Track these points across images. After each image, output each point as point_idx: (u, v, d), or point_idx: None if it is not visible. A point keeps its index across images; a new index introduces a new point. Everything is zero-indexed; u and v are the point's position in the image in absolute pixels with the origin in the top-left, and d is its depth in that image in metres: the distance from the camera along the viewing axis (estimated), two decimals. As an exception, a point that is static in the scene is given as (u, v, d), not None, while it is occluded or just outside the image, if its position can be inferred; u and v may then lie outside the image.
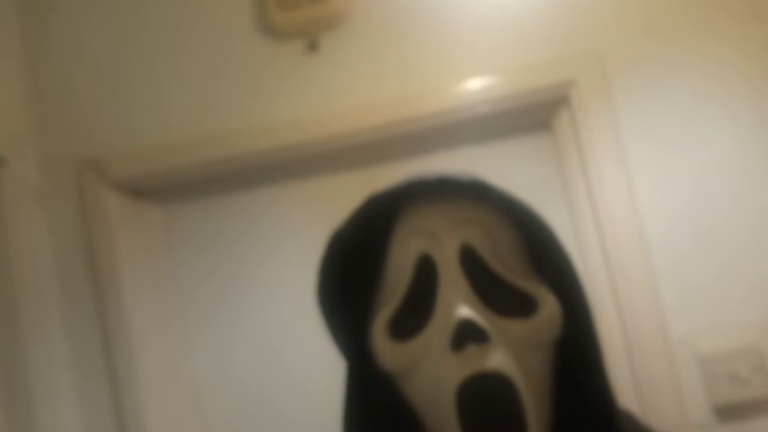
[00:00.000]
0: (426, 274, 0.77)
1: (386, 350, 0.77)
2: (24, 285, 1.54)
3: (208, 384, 1.70)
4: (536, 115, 1.60)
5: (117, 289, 1.59)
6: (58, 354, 1.58)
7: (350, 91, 1.59)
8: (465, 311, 0.72)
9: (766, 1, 1.53)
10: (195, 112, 1.63)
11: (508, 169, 1.62)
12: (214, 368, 1.70)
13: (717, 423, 1.46)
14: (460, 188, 0.79)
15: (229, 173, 1.63)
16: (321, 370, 1.40)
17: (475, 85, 1.54)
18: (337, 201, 1.65)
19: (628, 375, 1.48)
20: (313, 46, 1.60)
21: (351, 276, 0.83)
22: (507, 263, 0.78)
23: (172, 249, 1.74)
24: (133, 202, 1.68)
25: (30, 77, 1.68)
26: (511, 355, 0.73)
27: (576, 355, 0.77)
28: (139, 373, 1.58)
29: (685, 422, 1.45)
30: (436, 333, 0.74)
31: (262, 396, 1.67)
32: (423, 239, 0.78)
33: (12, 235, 1.55)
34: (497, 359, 0.71)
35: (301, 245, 1.66)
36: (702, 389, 1.46)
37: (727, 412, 1.46)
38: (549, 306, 0.76)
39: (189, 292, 1.72)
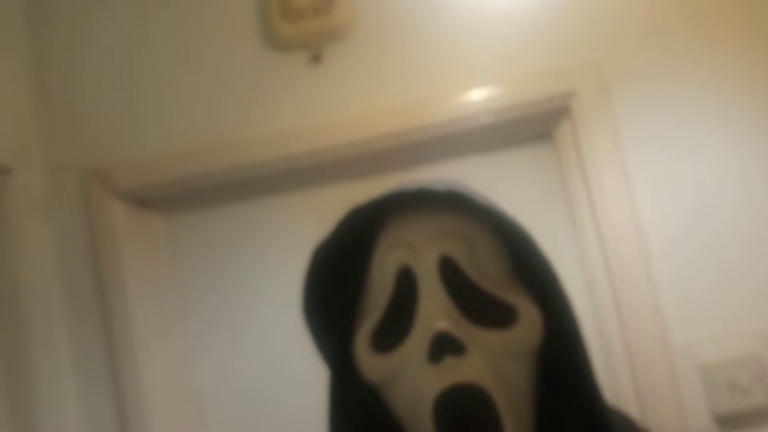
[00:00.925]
0: (406, 287, 0.77)
1: (369, 362, 0.79)
2: (29, 293, 1.55)
3: (212, 392, 1.70)
4: (537, 125, 1.61)
5: (121, 298, 1.60)
6: (62, 362, 1.59)
7: (353, 101, 1.60)
8: (442, 323, 0.72)
9: (765, 10, 1.54)
10: (200, 122, 1.64)
11: (510, 179, 1.63)
12: (218, 376, 1.70)
13: (718, 432, 1.47)
14: (438, 199, 0.79)
15: (233, 183, 1.64)
16: (324, 379, 1.41)
17: (477, 95, 1.55)
18: (340, 211, 1.67)
19: (629, 384, 1.48)
20: (316, 58, 1.61)
21: (334, 288, 0.84)
22: (487, 274, 0.78)
23: (177, 258, 1.75)
24: (138, 211, 1.69)
25: (36, 88, 1.69)
26: (490, 365, 0.73)
27: (561, 363, 0.77)
28: (143, 382, 1.58)
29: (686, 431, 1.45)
30: (416, 345, 0.74)
31: (265, 404, 1.67)
32: (403, 251, 0.78)
33: (17, 244, 1.56)
34: (474, 371, 0.72)
35: (304, 254, 1.64)
36: (703, 399, 1.46)
37: (728, 422, 1.46)
38: (529, 316, 0.76)
39: (193, 301, 1.73)
